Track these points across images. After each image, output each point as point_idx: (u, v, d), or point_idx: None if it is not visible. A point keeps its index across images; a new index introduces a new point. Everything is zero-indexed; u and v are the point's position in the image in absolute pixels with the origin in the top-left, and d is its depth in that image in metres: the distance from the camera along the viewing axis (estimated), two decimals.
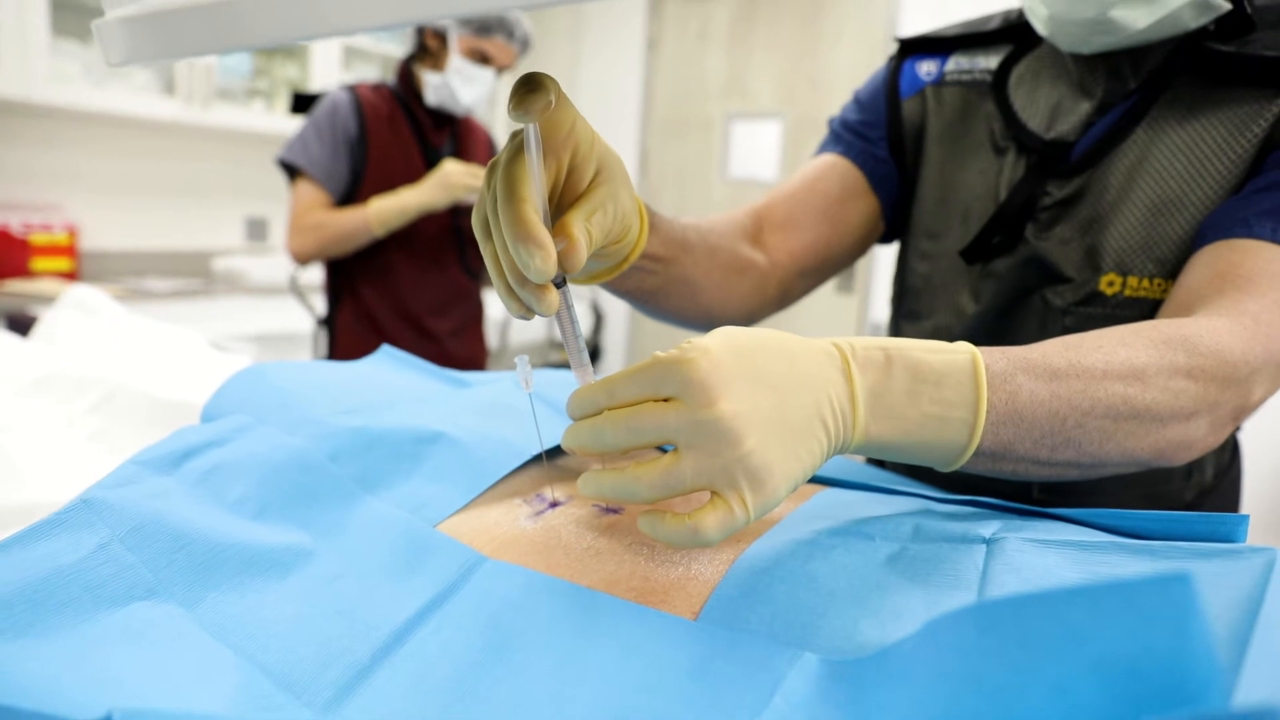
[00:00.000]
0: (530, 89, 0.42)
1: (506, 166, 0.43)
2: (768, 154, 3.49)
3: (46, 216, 2.63)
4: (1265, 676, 0.27)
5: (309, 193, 1.72)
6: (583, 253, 0.44)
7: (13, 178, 2.60)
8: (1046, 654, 0.25)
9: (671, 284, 0.65)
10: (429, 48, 1.78)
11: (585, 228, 0.45)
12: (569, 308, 0.47)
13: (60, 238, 2.62)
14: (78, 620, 0.40)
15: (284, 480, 0.51)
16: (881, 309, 3.16)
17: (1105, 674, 0.24)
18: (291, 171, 1.74)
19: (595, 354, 3.85)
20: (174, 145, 2.94)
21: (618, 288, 0.62)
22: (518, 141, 0.44)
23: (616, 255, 0.55)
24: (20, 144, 2.60)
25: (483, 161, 1.94)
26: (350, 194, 1.76)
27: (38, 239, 2.57)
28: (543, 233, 0.42)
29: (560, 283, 0.46)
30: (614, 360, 4.00)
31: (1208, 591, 0.35)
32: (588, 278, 0.58)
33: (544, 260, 0.41)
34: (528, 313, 0.46)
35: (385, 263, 1.79)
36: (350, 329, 1.83)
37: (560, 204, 0.48)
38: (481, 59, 1.75)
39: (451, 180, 1.69)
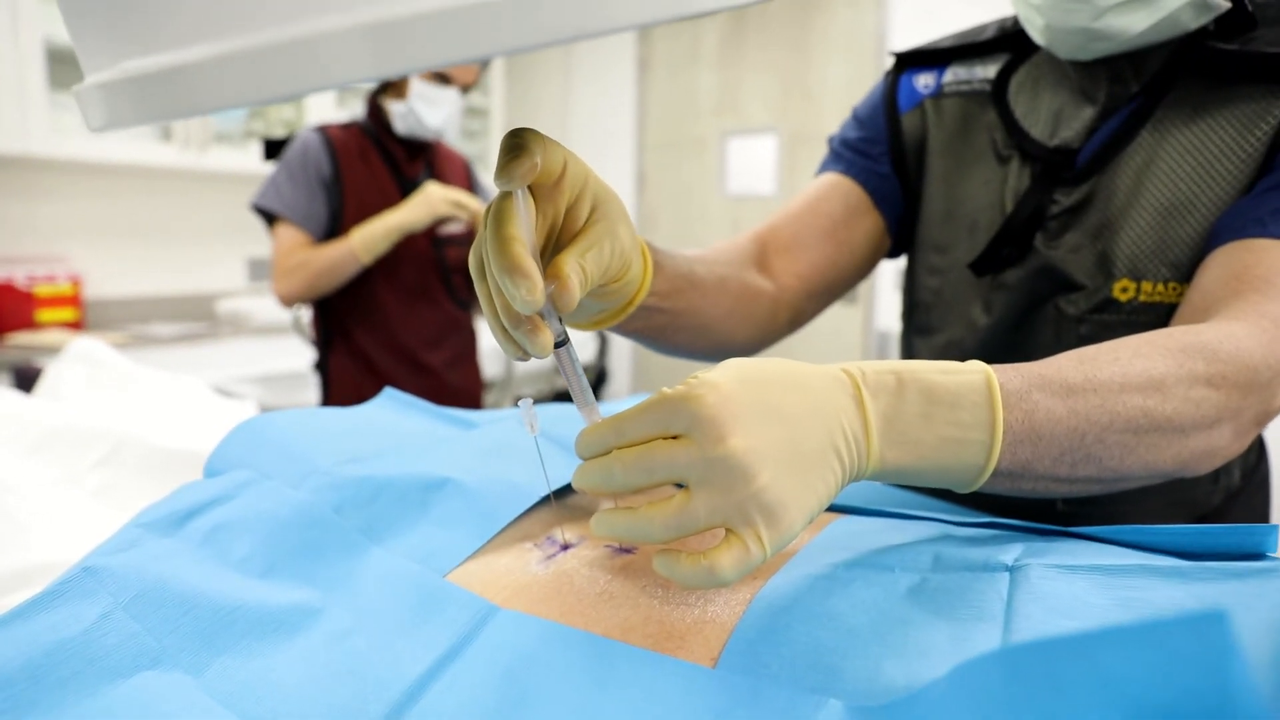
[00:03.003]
0: (514, 155, 0.41)
1: (497, 206, 0.43)
2: (765, 168, 3.49)
3: (50, 268, 2.65)
4: None
5: (289, 235, 1.71)
6: (575, 291, 0.43)
7: (15, 231, 2.62)
8: (1078, 699, 0.24)
9: (680, 320, 0.64)
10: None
11: (579, 265, 0.45)
12: (573, 361, 0.46)
13: (64, 288, 2.64)
14: (81, 695, 0.39)
15: (289, 536, 0.50)
16: (886, 318, 3.15)
17: (1140, 719, 0.23)
18: (269, 217, 1.74)
19: (602, 377, 3.84)
20: (173, 190, 2.96)
21: (626, 329, 0.61)
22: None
23: (620, 296, 0.54)
24: (22, 197, 2.62)
25: (461, 185, 1.94)
26: (330, 234, 1.76)
27: (42, 290, 2.58)
28: (529, 264, 0.41)
29: (562, 342, 0.45)
30: (621, 383, 3.99)
31: (1244, 618, 0.34)
32: (593, 322, 0.57)
33: (529, 290, 0.40)
34: (523, 354, 0.45)
35: (373, 300, 1.79)
36: (344, 370, 1.83)
37: (558, 245, 0.47)
38: (442, 79, 1.75)
39: (434, 198, 1.69)
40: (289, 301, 1.74)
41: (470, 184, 1.99)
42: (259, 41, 0.27)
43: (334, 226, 1.76)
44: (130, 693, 0.39)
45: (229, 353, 2.67)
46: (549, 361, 3.65)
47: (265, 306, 2.94)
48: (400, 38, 0.26)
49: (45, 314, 2.59)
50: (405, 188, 1.81)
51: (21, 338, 2.45)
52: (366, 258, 1.69)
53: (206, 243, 3.10)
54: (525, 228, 0.42)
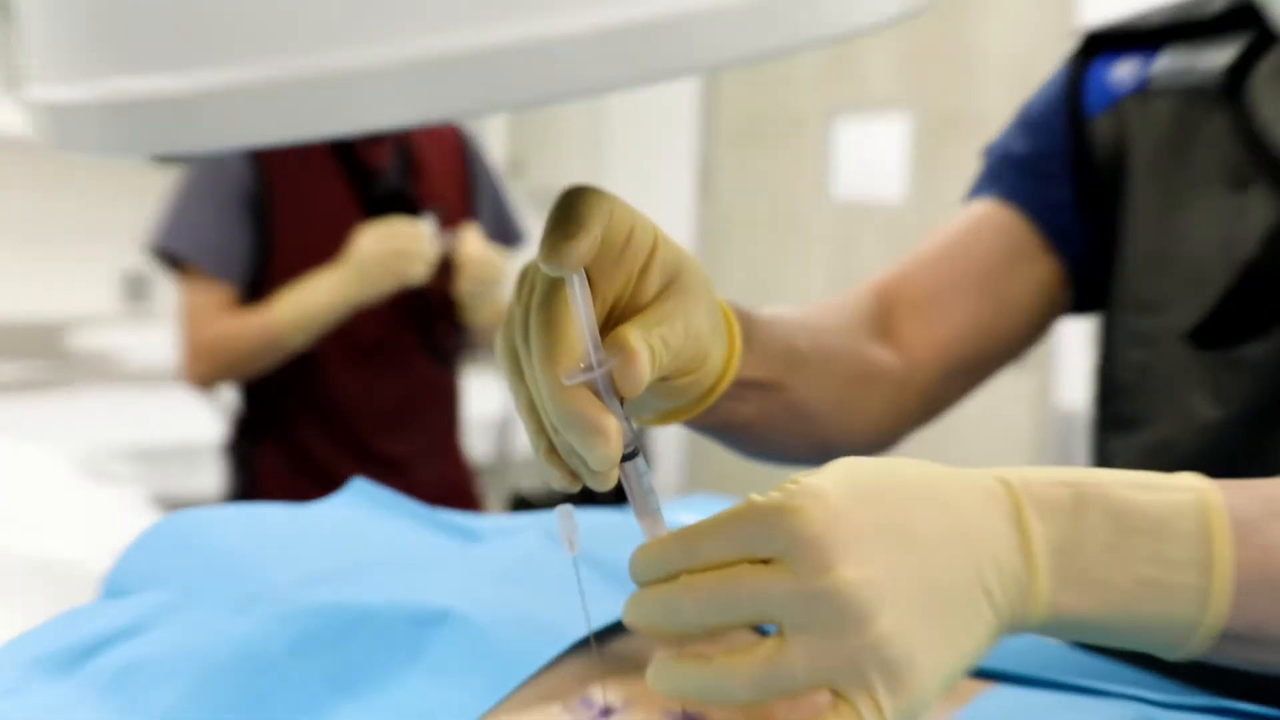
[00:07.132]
0: (565, 233, 0.46)
1: (542, 309, 0.48)
2: (892, 164, 3.55)
3: None
4: None
5: (200, 294, 1.77)
6: (644, 370, 0.48)
7: None
8: None
9: (773, 412, 0.69)
10: None
11: (646, 341, 0.49)
12: (640, 473, 0.51)
13: None
14: None
15: (228, 685, 0.55)
16: (1070, 391, 3.16)
17: None
18: (171, 260, 1.81)
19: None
20: (16, 171, 3.00)
21: (698, 424, 0.66)
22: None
23: (694, 389, 0.59)
24: None
25: (454, 178, 1.99)
26: (261, 269, 1.80)
27: None
28: (603, 417, 0.46)
29: (631, 455, 0.50)
30: (668, 472, 4.02)
31: None
32: (657, 418, 0.62)
33: (606, 447, 0.46)
34: (575, 483, 0.51)
35: (315, 368, 1.83)
36: (272, 464, 1.88)
37: (618, 323, 0.51)
38: None
39: (368, 269, 1.69)
40: (205, 386, 1.81)
41: (465, 168, 2.03)
42: (278, 74, 0.33)
43: (265, 258, 1.80)
44: None
45: (89, 410, 2.71)
46: None
47: (145, 342, 2.96)
48: (446, 79, 0.32)
49: None
50: (367, 186, 1.86)
51: None
52: (299, 338, 1.72)
53: (62, 248, 3.13)
54: (584, 314, 0.47)
